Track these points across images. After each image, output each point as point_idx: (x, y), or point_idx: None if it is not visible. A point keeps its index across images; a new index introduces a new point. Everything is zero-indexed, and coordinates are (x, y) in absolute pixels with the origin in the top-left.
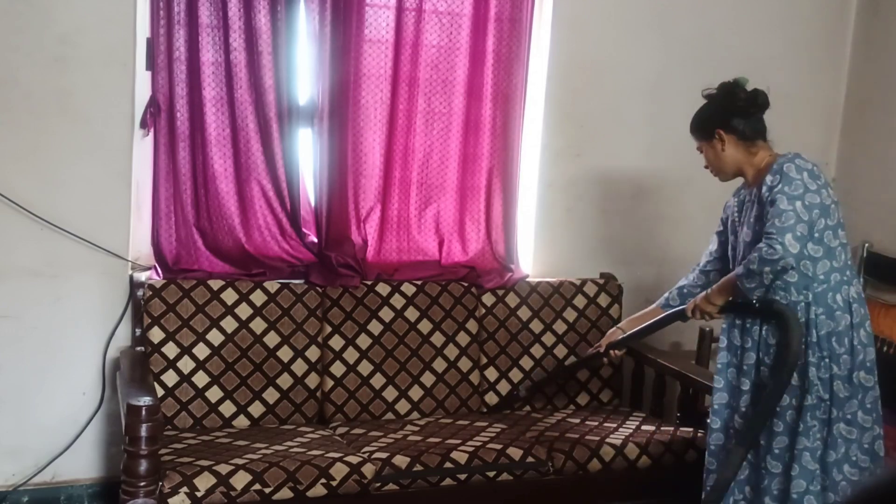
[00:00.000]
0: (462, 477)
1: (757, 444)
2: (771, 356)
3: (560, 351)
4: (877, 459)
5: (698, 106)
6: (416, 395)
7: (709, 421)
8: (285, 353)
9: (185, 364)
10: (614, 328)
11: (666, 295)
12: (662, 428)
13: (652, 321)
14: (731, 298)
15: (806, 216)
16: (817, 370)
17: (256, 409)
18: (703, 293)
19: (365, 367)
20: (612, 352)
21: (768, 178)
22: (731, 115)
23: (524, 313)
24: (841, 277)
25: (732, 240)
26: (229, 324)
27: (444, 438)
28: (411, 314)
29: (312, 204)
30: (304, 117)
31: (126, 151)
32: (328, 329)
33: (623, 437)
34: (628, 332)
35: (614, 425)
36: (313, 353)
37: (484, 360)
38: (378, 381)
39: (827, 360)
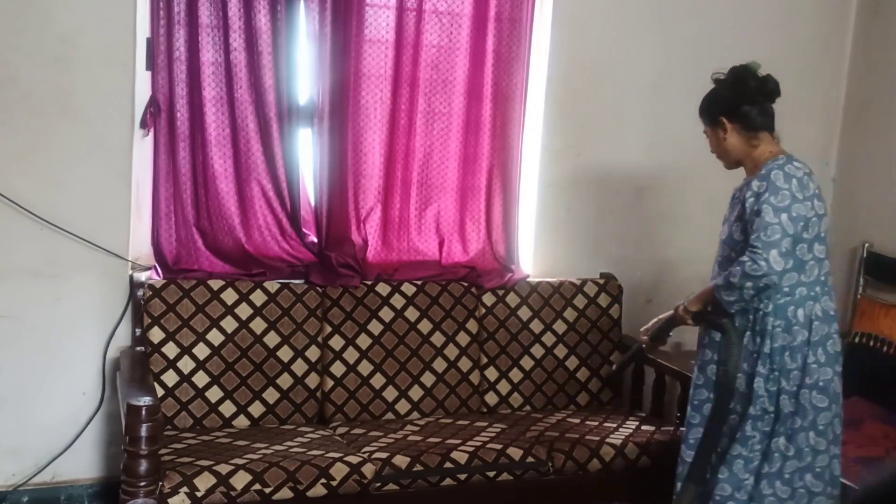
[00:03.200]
0: (462, 477)
1: (704, 480)
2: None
3: (560, 351)
4: (834, 482)
5: (698, 106)
6: (416, 395)
7: (688, 416)
8: (285, 353)
9: (185, 364)
10: (655, 319)
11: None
12: (662, 428)
13: (665, 320)
14: (703, 307)
15: (792, 230)
16: (765, 382)
17: (256, 409)
18: (685, 300)
19: (365, 367)
20: (646, 339)
21: (755, 184)
22: (737, 102)
23: (524, 313)
24: (808, 293)
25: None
26: (229, 324)
27: (444, 438)
28: (411, 314)
29: (312, 204)
30: (304, 117)
31: (126, 151)
32: (328, 329)
33: (623, 437)
34: (661, 322)
35: (614, 425)
36: (313, 353)
37: (484, 360)
38: (378, 381)
39: (777, 373)
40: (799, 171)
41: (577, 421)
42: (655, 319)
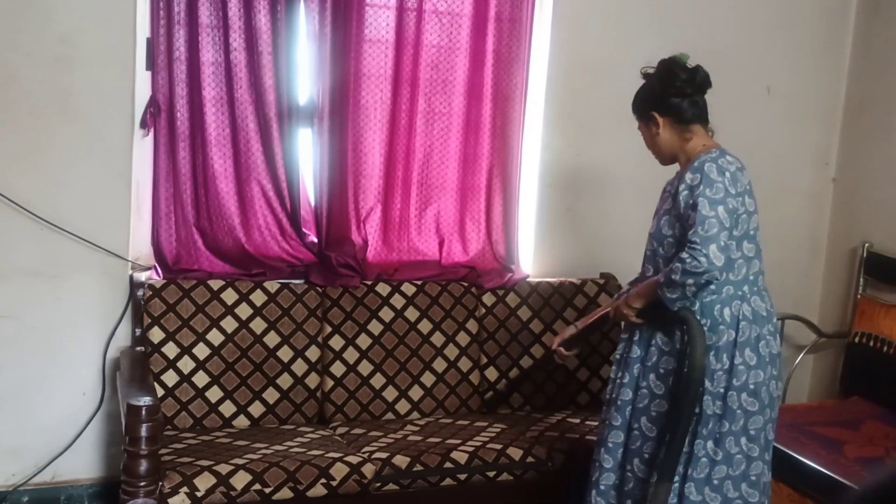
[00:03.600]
0: (462, 477)
1: (673, 474)
2: (657, 358)
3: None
4: (765, 490)
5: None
6: (416, 395)
7: (609, 418)
8: (285, 353)
9: (185, 364)
10: (570, 325)
11: (626, 287)
12: None
13: (591, 321)
14: (647, 303)
15: (728, 222)
16: None
17: (256, 409)
18: (625, 296)
19: (365, 367)
20: (560, 349)
21: (688, 176)
22: (667, 95)
23: (524, 313)
24: (735, 292)
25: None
26: (229, 324)
27: (444, 438)
28: (411, 314)
29: (312, 204)
30: (304, 117)
31: (126, 151)
32: (328, 329)
33: None
34: (578, 330)
35: None
36: (313, 353)
37: (484, 360)
38: (378, 381)
39: None
40: (731, 165)
41: (577, 421)
42: (572, 326)
